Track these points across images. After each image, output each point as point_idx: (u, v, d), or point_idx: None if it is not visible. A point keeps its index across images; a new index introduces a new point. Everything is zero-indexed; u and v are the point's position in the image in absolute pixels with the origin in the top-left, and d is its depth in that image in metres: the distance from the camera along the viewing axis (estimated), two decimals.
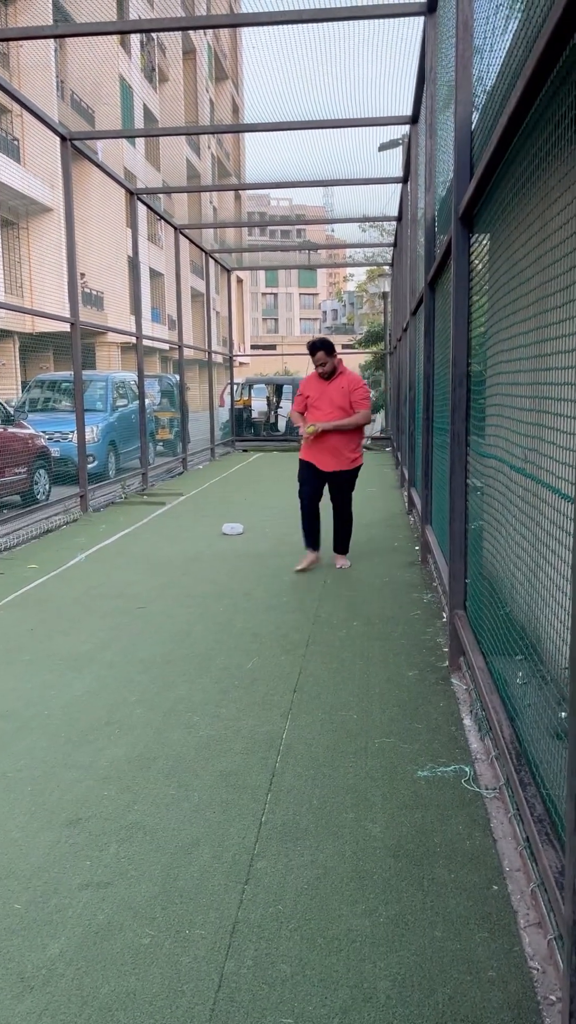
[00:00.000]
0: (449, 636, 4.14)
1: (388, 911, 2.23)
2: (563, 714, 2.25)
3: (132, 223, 12.10)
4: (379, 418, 23.62)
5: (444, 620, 4.80)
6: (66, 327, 9.33)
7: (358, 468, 6.35)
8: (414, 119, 8.05)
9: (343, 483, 6.33)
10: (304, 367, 22.68)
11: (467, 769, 3.03)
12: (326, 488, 6.41)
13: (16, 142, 22.79)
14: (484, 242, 3.74)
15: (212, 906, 2.27)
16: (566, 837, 1.60)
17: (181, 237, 14.33)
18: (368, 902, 2.27)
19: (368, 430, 23.39)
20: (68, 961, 2.07)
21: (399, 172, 10.89)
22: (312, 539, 6.41)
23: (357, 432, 6.27)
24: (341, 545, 6.46)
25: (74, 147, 9.14)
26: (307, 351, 6.21)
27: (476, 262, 3.82)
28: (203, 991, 1.95)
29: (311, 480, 6.33)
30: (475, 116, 3.79)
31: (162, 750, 3.26)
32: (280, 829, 2.65)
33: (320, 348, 6.13)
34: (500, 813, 2.72)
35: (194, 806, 2.81)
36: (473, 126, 3.79)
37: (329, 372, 6.20)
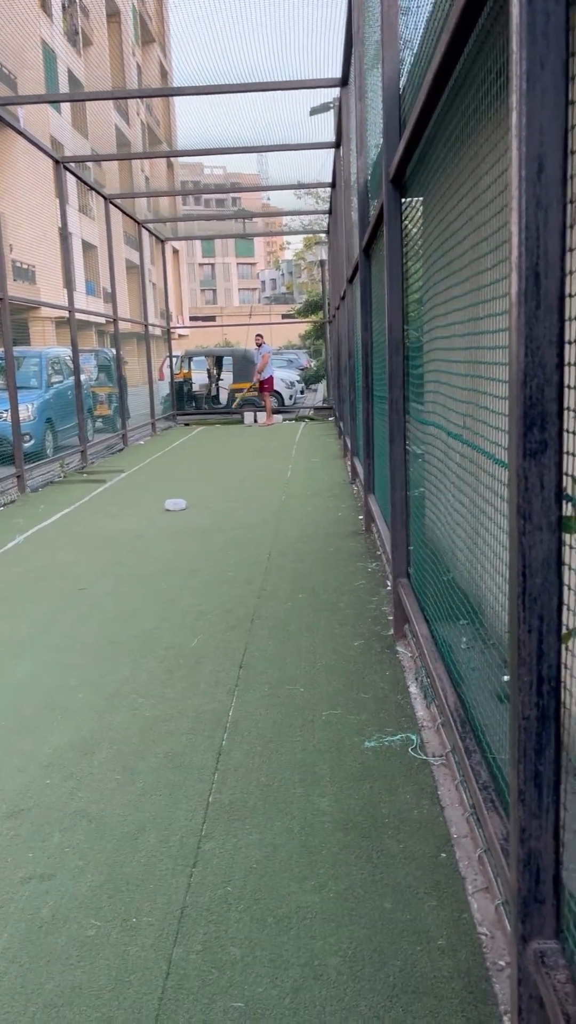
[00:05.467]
0: (393, 604, 4.14)
1: (337, 886, 2.21)
2: (505, 677, 2.24)
3: (60, 193, 11.73)
4: (320, 388, 23.55)
5: (388, 588, 4.81)
6: None
7: None
8: (344, 81, 7.92)
9: None
10: (244, 338, 22.46)
11: (414, 737, 3.04)
12: None
13: None
14: (417, 206, 3.69)
15: (160, 892, 2.23)
16: (511, 809, 1.59)
17: (113, 208, 13.96)
18: (318, 878, 2.25)
19: (311, 400, 23.34)
20: (11, 958, 2.01)
21: (331, 137, 10.74)
22: None
23: None
24: None
25: None
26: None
27: (409, 225, 3.77)
28: (151, 980, 1.91)
29: None
30: (403, 77, 3.72)
31: (106, 734, 3.19)
32: (228, 808, 2.62)
33: None
34: (447, 780, 2.73)
35: (140, 790, 2.76)
36: (402, 87, 3.71)
37: None
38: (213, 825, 2.53)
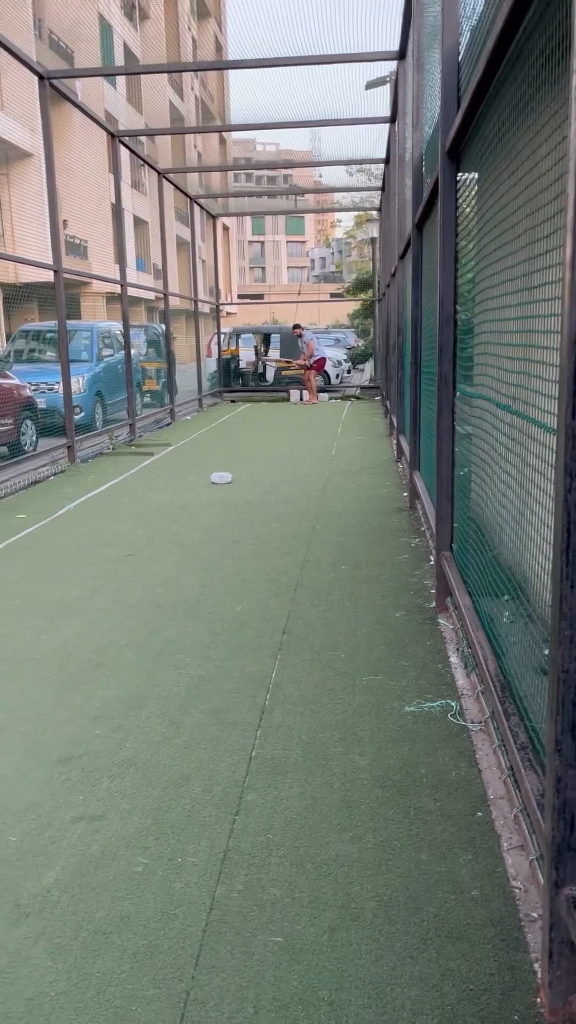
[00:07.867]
0: (436, 577, 4.18)
1: (375, 838, 2.28)
2: (547, 651, 2.28)
3: (114, 168, 11.83)
4: (367, 367, 23.42)
5: (431, 563, 4.84)
6: (50, 276, 9.17)
7: None
8: (401, 54, 7.85)
9: None
10: (292, 316, 22.43)
11: (453, 704, 3.09)
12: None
13: None
14: (472, 183, 3.68)
15: (203, 836, 2.32)
16: (547, 760, 1.64)
17: (165, 183, 14.02)
18: (355, 829, 2.33)
19: (358, 379, 23.28)
20: (63, 889, 2.12)
21: (387, 112, 10.64)
22: None
23: None
24: None
25: (52, 86, 8.88)
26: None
27: (463, 205, 3.76)
28: (195, 914, 2.01)
29: None
30: (462, 49, 3.70)
31: (153, 690, 3.29)
32: (270, 763, 2.70)
33: None
34: (485, 745, 2.78)
35: (185, 743, 2.86)
36: (460, 58, 3.70)
37: None
38: (255, 778, 2.62)
